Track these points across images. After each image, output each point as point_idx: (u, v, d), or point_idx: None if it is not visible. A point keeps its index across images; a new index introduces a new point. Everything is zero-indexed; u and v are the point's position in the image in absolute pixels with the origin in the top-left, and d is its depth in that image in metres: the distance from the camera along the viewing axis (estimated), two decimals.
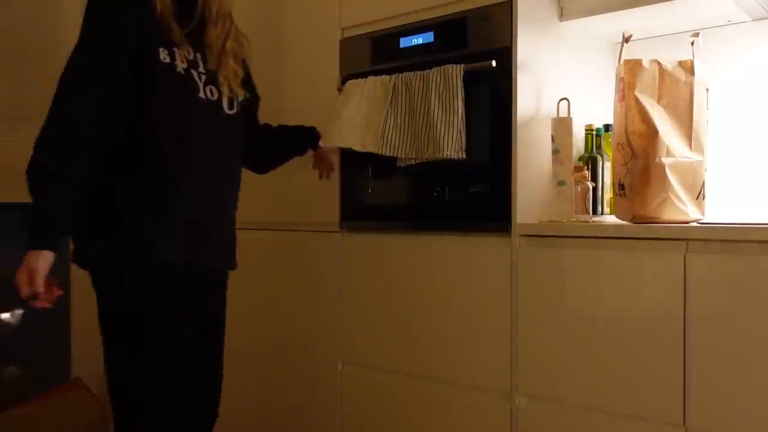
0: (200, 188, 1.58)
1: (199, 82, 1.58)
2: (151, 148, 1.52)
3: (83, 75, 1.46)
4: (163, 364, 1.51)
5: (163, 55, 1.51)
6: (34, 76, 2.66)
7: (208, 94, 1.60)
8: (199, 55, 1.60)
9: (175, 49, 1.54)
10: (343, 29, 2.15)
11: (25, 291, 1.44)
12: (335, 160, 2.10)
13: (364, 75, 2.02)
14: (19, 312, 1.48)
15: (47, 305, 1.48)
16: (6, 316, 1.48)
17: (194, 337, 1.60)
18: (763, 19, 1.89)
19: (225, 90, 1.64)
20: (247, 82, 1.76)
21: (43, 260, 1.43)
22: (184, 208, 1.55)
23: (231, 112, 1.66)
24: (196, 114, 1.57)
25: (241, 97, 1.69)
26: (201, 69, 1.60)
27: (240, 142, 1.73)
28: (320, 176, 2.10)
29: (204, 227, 1.60)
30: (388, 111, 1.92)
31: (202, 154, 1.58)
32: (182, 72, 1.54)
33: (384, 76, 1.96)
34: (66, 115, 1.44)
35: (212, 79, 1.62)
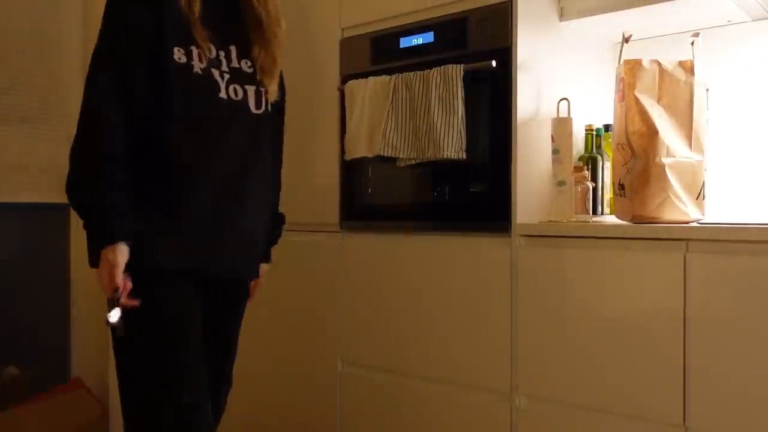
0: (217, 191, 1.52)
1: (220, 81, 1.52)
2: (165, 150, 1.47)
3: (104, 80, 1.43)
4: (163, 368, 1.49)
5: (179, 55, 1.46)
6: (33, 76, 2.66)
7: (231, 94, 1.54)
8: (222, 53, 1.54)
9: (193, 48, 1.48)
10: (343, 29, 2.15)
11: (108, 288, 1.40)
12: None
13: (364, 75, 2.02)
14: (115, 314, 1.42)
15: (135, 304, 1.43)
16: (113, 318, 1.41)
17: (201, 342, 1.56)
18: (763, 19, 1.89)
19: (257, 90, 1.59)
20: (280, 87, 1.71)
21: (120, 253, 1.40)
22: (196, 211, 1.49)
23: (259, 111, 1.59)
24: (215, 114, 1.51)
25: (272, 100, 1.63)
26: (224, 68, 1.53)
27: (269, 142, 1.66)
28: None
29: (219, 232, 1.54)
30: (389, 112, 1.93)
31: (220, 155, 1.52)
32: (199, 72, 1.49)
33: (384, 76, 1.97)
34: (94, 123, 1.42)
35: (238, 78, 1.55)
